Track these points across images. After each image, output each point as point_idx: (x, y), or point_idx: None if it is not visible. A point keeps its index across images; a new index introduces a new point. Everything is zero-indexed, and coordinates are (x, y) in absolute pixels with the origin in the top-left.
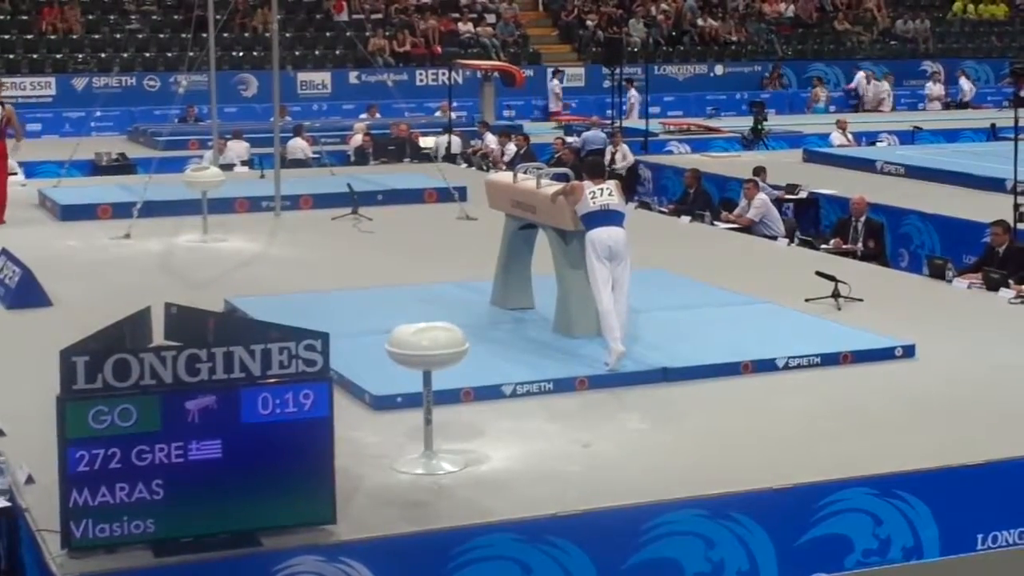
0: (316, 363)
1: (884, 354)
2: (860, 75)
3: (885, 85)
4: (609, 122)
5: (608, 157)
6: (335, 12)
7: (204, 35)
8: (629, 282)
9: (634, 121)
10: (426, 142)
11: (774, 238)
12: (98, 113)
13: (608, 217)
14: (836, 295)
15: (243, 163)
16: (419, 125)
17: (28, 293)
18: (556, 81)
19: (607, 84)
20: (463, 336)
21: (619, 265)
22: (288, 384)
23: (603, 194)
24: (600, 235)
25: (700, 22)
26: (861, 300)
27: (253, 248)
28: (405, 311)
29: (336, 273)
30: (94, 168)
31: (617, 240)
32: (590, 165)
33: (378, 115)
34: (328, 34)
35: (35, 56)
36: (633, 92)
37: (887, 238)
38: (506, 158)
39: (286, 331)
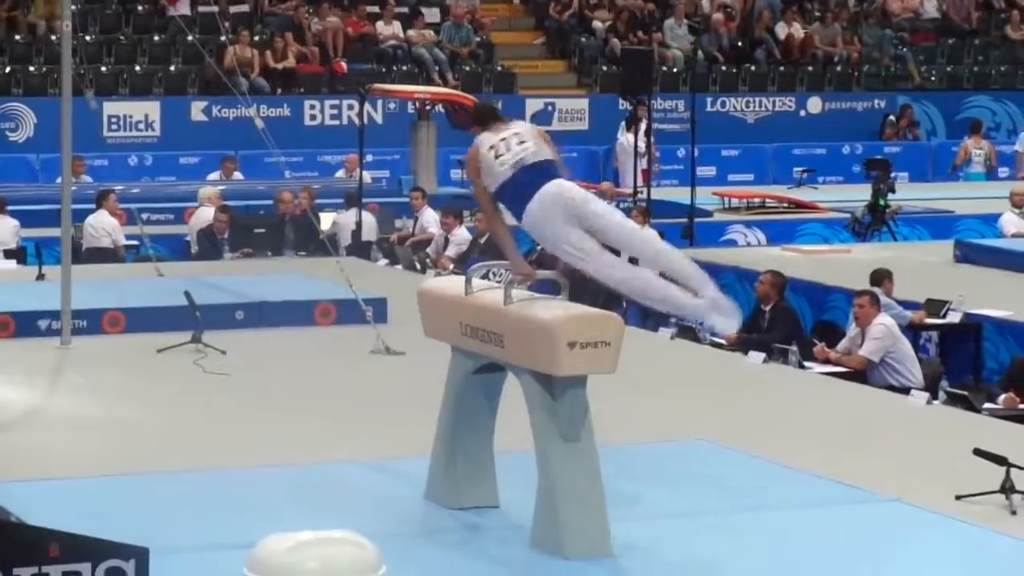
0: None
1: None
2: None
3: None
4: (629, 192)
5: None
6: (167, 3)
7: None
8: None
9: (667, 191)
10: (324, 221)
11: (905, 390)
12: None
13: (537, 173)
14: (1008, 489)
15: (7, 253)
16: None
17: None
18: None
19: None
20: (376, 555)
21: (594, 216)
22: None
23: (513, 145)
24: (542, 198)
25: (783, 27)
26: None
27: (21, 399)
28: (278, 510)
29: (163, 443)
30: None
31: (563, 191)
32: (480, 109)
33: (238, 175)
34: (157, 38)
35: None
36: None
37: None
38: (454, 250)
39: (76, 544)
